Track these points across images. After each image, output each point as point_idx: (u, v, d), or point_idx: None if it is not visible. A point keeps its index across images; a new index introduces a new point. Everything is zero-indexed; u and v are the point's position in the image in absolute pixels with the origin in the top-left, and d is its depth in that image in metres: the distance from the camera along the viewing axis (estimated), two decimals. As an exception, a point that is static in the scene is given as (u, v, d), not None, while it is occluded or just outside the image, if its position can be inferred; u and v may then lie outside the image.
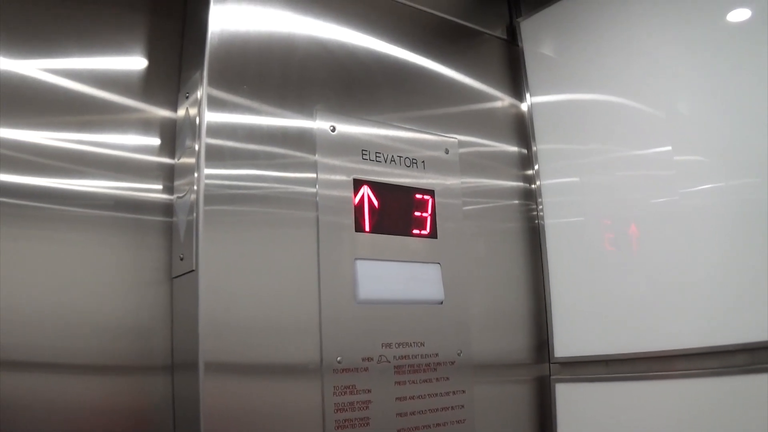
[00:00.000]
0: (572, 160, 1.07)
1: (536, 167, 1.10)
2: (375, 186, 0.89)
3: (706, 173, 0.90)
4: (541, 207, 1.09)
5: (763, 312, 0.80)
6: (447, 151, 0.99)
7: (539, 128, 1.11)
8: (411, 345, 0.87)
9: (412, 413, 0.85)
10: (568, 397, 1.00)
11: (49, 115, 0.75)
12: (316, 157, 0.84)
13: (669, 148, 0.94)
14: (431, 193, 0.95)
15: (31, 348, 0.69)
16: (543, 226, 1.08)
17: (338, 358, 0.80)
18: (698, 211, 0.89)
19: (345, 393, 0.79)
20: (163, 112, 0.84)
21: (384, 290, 0.85)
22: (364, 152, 0.89)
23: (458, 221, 0.98)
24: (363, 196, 0.87)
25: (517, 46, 1.15)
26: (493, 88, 1.11)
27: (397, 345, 0.86)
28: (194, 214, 0.74)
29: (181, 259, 0.76)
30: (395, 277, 0.87)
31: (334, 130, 0.87)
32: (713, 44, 0.90)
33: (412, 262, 0.90)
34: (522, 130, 1.13)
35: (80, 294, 0.73)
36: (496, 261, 1.03)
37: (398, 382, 0.85)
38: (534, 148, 1.11)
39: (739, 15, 0.88)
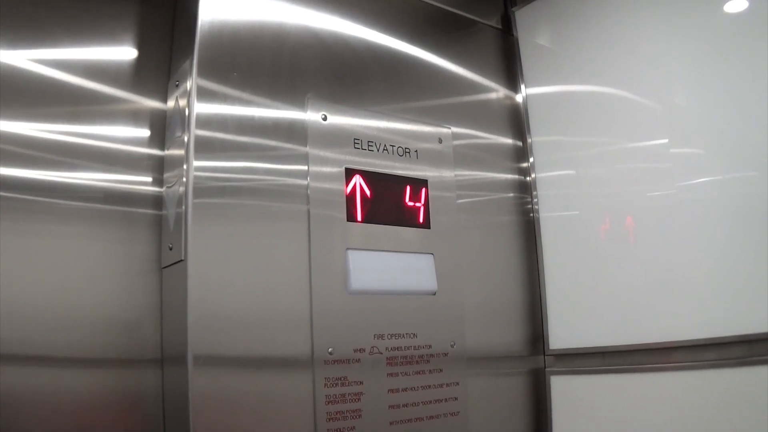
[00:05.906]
0: (568, 152, 1.06)
1: (531, 160, 1.09)
2: (367, 175, 0.88)
3: (703, 166, 0.89)
4: (536, 200, 1.08)
5: (760, 304, 0.80)
6: (440, 141, 0.98)
7: (534, 120, 1.10)
8: (403, 336, 0.86)
9: (405, 405, 0.85)
10: (563, 389, 1.00)
11: (38, 106, 0.74)
12: (308, 149, 0.83)
13: (666, 140, 0.93)
14: (424, 182, 0.94)
15: (21, 341, 0.68)
16: (538, 219, 1.07)
17: (329, 350, 0.79)
18: (695, 204, 0.89)
19: (336, 385, 0.79)
20: (153, 103, 0.83)
21: (376, 280, 0.85)
22: (356, 141, 0.88)
23: (452, 212, 0.97)
24: (355, 185, 0.86)
25: (512, 36, 1.14)
26: (488, 78, 1.10)
27: (389, 336, 0.85)
28: (183, 207, 0.73)
29: (171, 249, 0.75)
30: (387, 267, 0.86)
31: (325, 119, 0.86)
32: (711, 35, 0.89)
33: (404, 252, 0.89)
34: (517, 121, 1.12)
35: (70, 287, 0.72)
36: (491, 253, 1.02)
37: (390, 374, 0.84)
38: (529, 140, 1.10)
39: (736, 5, 0.87)
